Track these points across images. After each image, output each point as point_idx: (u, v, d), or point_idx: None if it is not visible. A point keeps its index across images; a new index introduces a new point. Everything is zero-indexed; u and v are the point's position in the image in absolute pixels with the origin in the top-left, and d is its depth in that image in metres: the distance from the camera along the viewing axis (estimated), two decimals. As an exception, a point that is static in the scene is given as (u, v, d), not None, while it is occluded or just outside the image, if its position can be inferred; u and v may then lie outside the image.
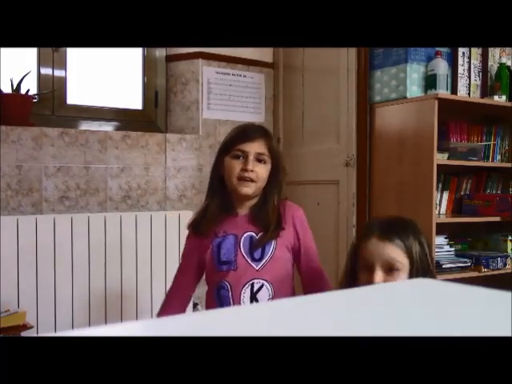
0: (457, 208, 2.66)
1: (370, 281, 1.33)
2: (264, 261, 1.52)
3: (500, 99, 2.51)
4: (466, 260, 2.46)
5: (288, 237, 1.56)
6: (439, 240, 2.43)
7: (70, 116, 2.59)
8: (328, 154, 2.64)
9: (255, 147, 1.52)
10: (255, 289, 1.51)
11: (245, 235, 1.54)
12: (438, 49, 2.42)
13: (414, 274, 1.35)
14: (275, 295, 1.53)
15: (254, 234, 1.54)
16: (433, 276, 1.41)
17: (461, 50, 2.51)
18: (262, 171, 1.53)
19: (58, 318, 2.26)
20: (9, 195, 2.29)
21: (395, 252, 1.33)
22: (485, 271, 2.44)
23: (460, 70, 2.50)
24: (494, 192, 2.77)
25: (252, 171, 1.50)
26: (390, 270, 1.32)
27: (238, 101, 2.86)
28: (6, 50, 2.36)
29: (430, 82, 2.39)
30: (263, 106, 2.95)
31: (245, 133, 1.55)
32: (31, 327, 2.04)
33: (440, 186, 2.57)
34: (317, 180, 2.71)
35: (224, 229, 1.55)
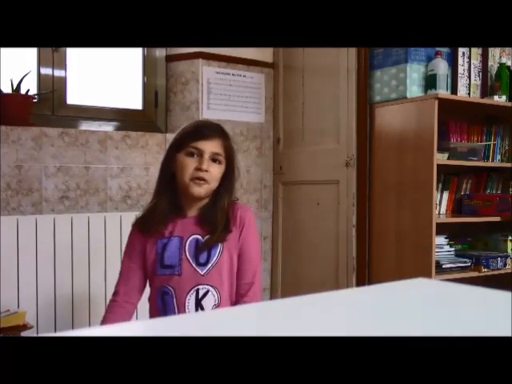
0: (457, 208, 2.66)
1: None
2: (209, 265, 1.44)
3: (500, 99, 2.51)
4: (465, 260, 2.46)
5: (235, 240, 1.48)
6: (439, 240, 2.42)
7: (70, 116, 2.59)
8: (328, 153, 2.64)
9: (211, 146, 1.45)
10: (200, 295, 1.43)
11: (190, 238, 1.46)
12: (438, 49, 2.42)
13: None
14: (222, 302, 1.45)
15: (199, 237, 1.46)
16: None
17: (461, 50, 2.51)
18: (216, 171, 1.46)
19: (58, 318, 2.26)
20: (9, 195, 2.29)
21: None
22: (485, 271, 2.44)
23: (460, 69, 2.50)
24: (494, 192, 2.77)
25: (206, 171, 1.43)
26: None
27: (238, 101, 2.86)
28: (6, 50, 2.36)
29: (430, 82, 2.39)
30: (263, 106, 2.95)
31: (201, 130, 1.48)
32: (31, 327, 2.04)
33: (440, 186, 2.57)
34: (317, 180, 2.71)
35: (170, 230, 1.48)
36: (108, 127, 2.67)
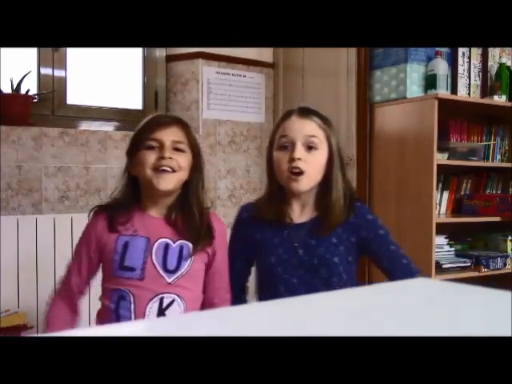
0: (457, 208, 2.66)
1: (290, 157, 1.38)
2: (179, 273, 1.31)
3: (500, 99, 2.51)
4: (465, 260, 2.46)
5: (207, 251, 1.37)
6: (439, 240, 2.42)
7: (70, 116, 2.59)
8: (328, 153, 2.64)
9: (171, 134, 1.32)
10: (164, 304, 1.29)
11: (159, 241, 1.32)
12: (437, 49, 2.42)
13: (332, 161, 1.46)
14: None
15: (170, 241, 1.33)
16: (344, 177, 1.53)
17: (461, 50, 2.51)
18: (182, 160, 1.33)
19: (58, 318, 2.26)
20: (9, 195, 2.28)
21: (315, 129, 1.43)
22: (485, 271, 2.44)
23: (460, 69, 2.50)
24: (494, 192, 2.77)
25: (170, 158, 1.29)
26: (309, 148, 1.40)
27: (238, 101, 2.86)
28: (5, 50, 2.36)
29: (430, 81, 2.39)
30: (263, 106, 2.95)
31: (156, 119, 1.36)
32: (31, 327, 2.04)
33: (440, 185, 2.57)
34: (317, 180, 2.70)
35: (134, 228, 1.33)
36: (108, 127, 2.67)
